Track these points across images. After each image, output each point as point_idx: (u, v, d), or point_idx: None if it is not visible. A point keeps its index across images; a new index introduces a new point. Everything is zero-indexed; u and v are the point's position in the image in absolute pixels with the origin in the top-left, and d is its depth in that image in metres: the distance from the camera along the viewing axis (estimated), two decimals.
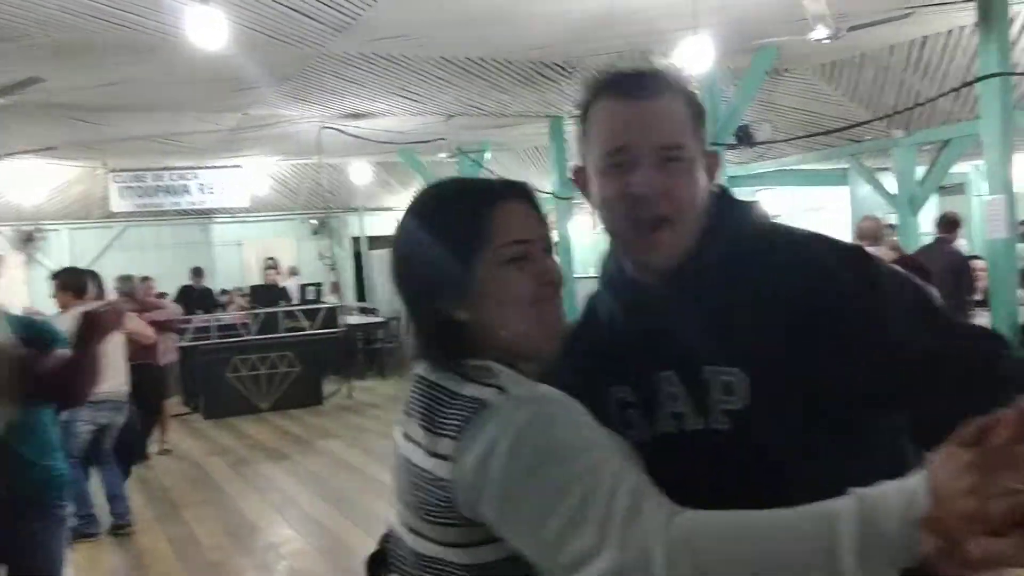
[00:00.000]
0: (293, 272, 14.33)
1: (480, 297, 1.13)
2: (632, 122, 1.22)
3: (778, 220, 1.41)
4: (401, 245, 1.21)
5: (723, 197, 1.33)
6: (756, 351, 1.17)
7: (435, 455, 1.06)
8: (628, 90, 1.23)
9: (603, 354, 1.32)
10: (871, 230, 6.53)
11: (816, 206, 12.95)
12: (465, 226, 1.14)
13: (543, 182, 11.15)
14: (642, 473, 1.00)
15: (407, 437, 1.14)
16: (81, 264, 9.01)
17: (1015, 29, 7.52)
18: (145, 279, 9.26)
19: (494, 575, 1.06)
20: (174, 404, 10.19)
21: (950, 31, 8.20)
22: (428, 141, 11.98)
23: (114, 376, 5.64)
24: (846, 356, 1.14)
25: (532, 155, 14.67)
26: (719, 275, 1.23)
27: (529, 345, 1.16)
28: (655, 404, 1.24)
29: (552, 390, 1.08)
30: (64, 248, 13.87)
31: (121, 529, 5.69)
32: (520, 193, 1.19)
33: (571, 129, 11.50)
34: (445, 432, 1.05)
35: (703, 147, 1.27)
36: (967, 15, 6.81)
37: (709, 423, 1.20)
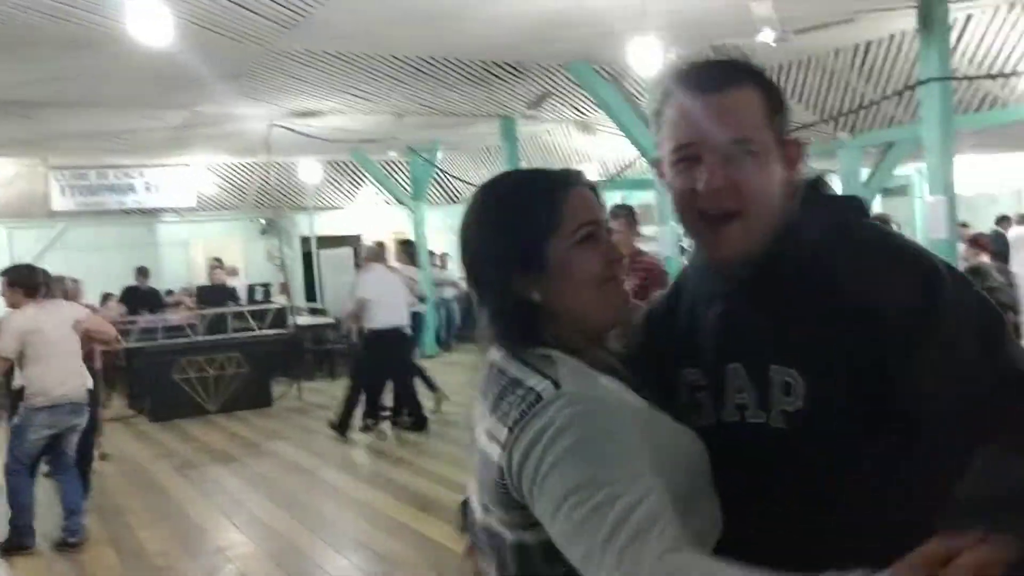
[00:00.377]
0: (233, 272, 14.10)
1: (554, 277, 1.20)
2: (699, 117, 1.22)
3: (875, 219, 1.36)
4: (475, 231, 1.27)
5: (814, 188, 1.30)
6: (814, 355, 1.17)
7: (494, 441, 1.14)
8: (698, 84, 1.23)
9: (680, 336, 1.34)
10: None
11: None
12: (541, 210, 1.21)
13: None
14: (665, 494, 1.04)
15: (479, 418, 1.22)
16: None
17: (955, 35, 7.71)
18: (75, 281, 8.97)
19: (551, 556, 1.11)
20: (117, 407, 9.99)
21: (892, 36, 8.38)
22: (379, 140, 11.90)
23: (72, 378, 5.40)
24: (901, 373, 1.12)
25: (484, 155, 14.67)
26: (790, 274, 1.22)
27: (598, 323, 1.25)
28: (723, 392, 1.26)
29: (608, 392, 1.15)
30: (3, 248, 13.45)
31: (70, 546, 5.37)
32: (584, 180, 1.27)
33: (523, 130, 11.53)
34: (504, 421, 1.13)
35: (780, 137, 1.25)
36: (909, 20, 6.96)
37: (769, 420, 1.21)
